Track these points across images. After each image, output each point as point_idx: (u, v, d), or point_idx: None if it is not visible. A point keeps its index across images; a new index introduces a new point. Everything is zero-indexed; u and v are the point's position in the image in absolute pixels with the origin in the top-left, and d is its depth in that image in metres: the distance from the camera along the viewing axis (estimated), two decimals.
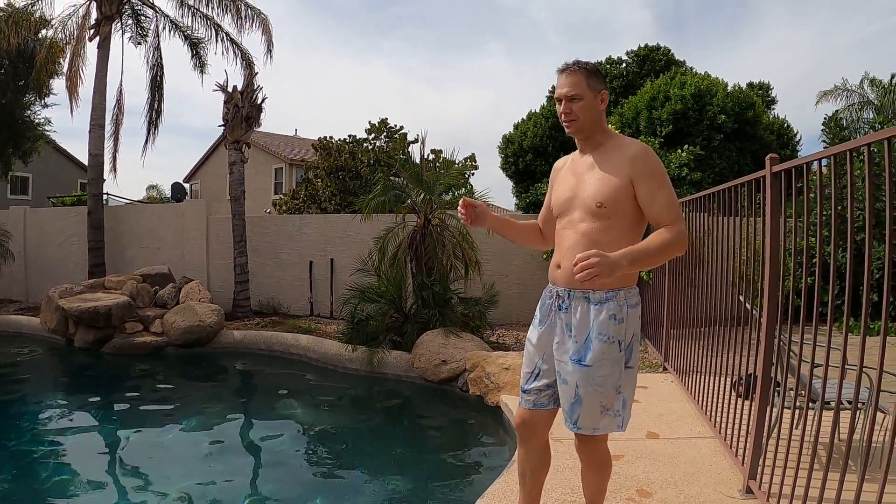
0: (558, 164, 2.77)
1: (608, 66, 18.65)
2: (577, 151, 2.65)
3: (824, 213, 2.83)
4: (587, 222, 2.45)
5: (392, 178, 9.29)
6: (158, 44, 15.06)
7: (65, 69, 13.75)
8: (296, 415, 6.69)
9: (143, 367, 8.77)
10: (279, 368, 8.73)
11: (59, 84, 15.97)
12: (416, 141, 18.09)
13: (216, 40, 14.37)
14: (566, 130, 2.53)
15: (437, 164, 15.53)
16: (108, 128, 14.11)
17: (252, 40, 33.12)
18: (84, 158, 14.51)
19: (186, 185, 32.40)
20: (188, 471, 4.96)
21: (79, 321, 9.49)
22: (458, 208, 2.62)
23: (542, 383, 2.60)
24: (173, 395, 7.73)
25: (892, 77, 21.93)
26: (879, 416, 3.62)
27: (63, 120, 46.71)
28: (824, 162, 2.91)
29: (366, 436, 6.16)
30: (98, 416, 6.59)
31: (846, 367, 2.52)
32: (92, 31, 13.17)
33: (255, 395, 8.10)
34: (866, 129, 20.20)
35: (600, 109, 2.50)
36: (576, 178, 2.56)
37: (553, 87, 19.95)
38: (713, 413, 4.43)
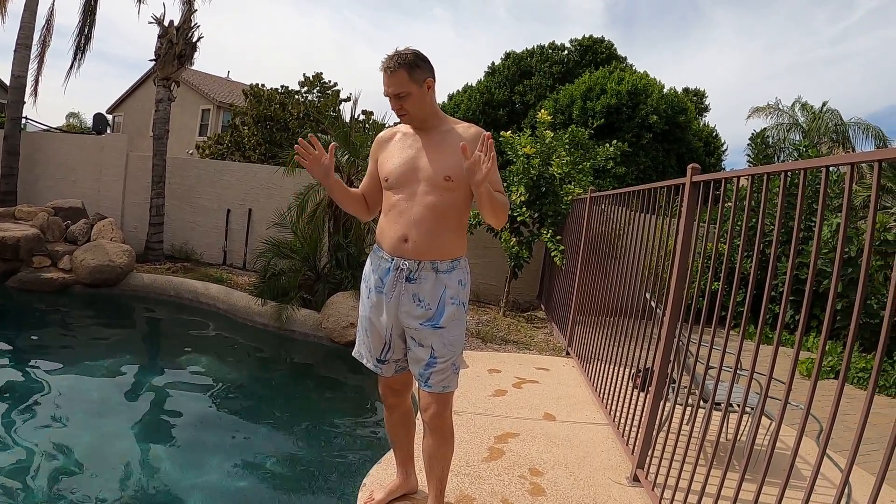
0: (383, 135, 2.77)
1: (550, 51, 18.74)
2: (407, 127, 2.71)
3: (738, 224, 2.92)
4: (434, 195, 2.54)
5: (320, 134, 9.09)
6: None
7: None
8: (198, 366, 6.52)
9: (46, 304, 8.37)
10: (186, 316, 8.50)
11: None
12: (348, 99, 17.83)
13: None
14: (400, 121, 2.64)
15: (367, 125, 15.34)
16: (34, 48, 13.35)
17: None
18: (2, 76, 13.77)
19: (109, 117, 31.01)
20: (78, 419, 4.76)
21: None
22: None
23: (398, 350, 2.72)
24: (74, 336, 7.39)
25: (824, 105, 22.95)
26: (765, 420, 3.80)
27: None
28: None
29: (268, 393, 6.07)
30: None
31: (738, 372, 2.63)
32: None
33: (158, 343, 7.87)
34: (790, 150, 21.06)
35: (429, 97, 2.58)
36: (415, 151, 2.61)
37: (493, 64, 20.02)
38: (609, 401, 4.57)
